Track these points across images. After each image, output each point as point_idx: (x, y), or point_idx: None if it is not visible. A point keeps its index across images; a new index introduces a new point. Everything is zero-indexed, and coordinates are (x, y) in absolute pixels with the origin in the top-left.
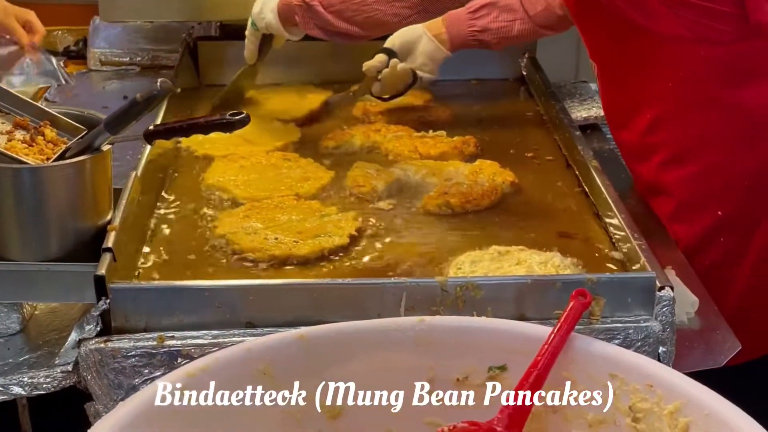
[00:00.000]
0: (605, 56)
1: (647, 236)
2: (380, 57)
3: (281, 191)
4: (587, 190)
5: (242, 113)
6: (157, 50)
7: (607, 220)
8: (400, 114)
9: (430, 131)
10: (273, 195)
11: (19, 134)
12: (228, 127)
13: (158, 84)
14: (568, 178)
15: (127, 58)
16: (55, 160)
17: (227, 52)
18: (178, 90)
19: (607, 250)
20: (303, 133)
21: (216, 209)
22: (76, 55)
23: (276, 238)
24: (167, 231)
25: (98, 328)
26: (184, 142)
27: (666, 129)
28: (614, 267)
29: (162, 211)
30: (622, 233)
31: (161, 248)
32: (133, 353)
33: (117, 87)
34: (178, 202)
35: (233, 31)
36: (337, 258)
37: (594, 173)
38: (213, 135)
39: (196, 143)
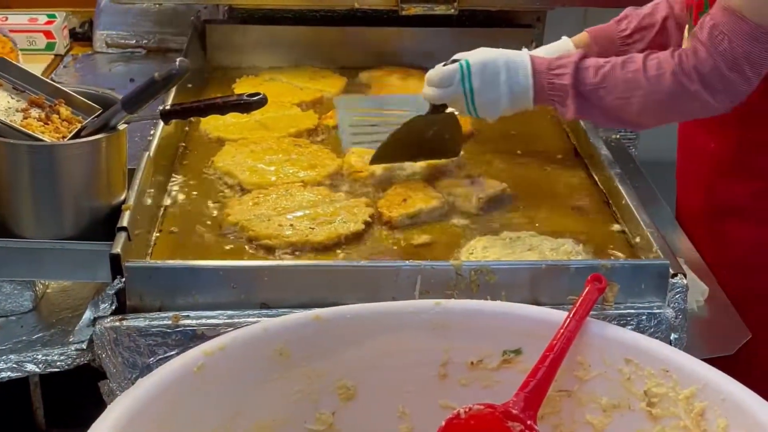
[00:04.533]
0: None
1: (657, 224)
2: None
3: (288, 178)
4: (597, 178)
5: (259, 94)
6: (163, 33)
7: (620, 208)
8: None
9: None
10: (279, 182)
11: (35, 112)
12: (245, 107)
13: (177, 63)
14: (578, 167)
15: (134, 41)
16: (70, 139)
17: (236, 36)
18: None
19: (618, 237)
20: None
21: (225, 195)
22: (82, 36)
23: (291, 225)
24: (179, 213)
25: (113, 307)
26: (201, 123)
27: None
28: (625, 254)
29: (173, 193)
30: (635, 221)
31: (173, 230)
32: (148, 332)
33: (123, 69)
34: (189, 184)
35: (242, 15)
36: (353, 244)
37: (605, 162)
38: (229, 119)
39: (212, 126)
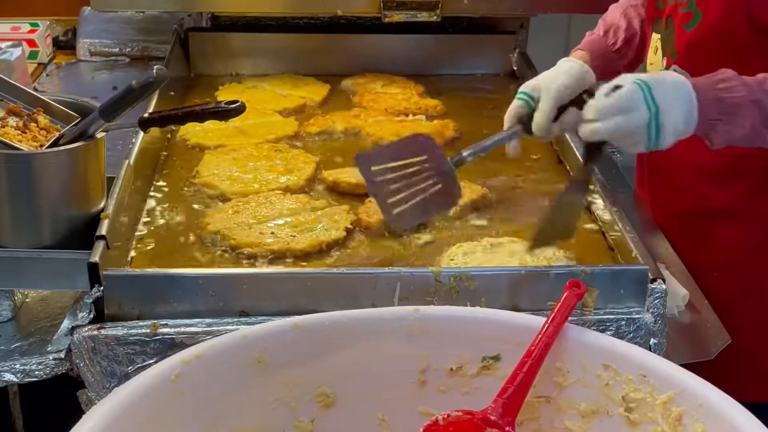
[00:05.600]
0: (715, 56)
1: (639, 231)
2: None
3: (269, 185)
4: None
5: (238, 102)
6: (146, 41)
7: (600, 214)
8: (392, 104)
9: (410, 116)
10: (261, 189)
11: (12, 121)
12: (223, 115)
13: (154, 71)
14: (559, 173)
15: (117, 49)
16: (48, 147)
17: (218, 43)
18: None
19: (598, 242)
20: (302, 121)
21: (206, 203)
22: (66, 45)
23: (272, 233)
24: (159, 221)
25: (91, 316)
26: (180, 130)
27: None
28: (605, 259)
29: (154, 200)
30: (615, 226)
31: (153, 238)
32: (126, 341)
33: (106, 77)
34: (170, 192)
35: (225, 22)
36: (335, 252)
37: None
38: (208, 125)
39: (191, 132)
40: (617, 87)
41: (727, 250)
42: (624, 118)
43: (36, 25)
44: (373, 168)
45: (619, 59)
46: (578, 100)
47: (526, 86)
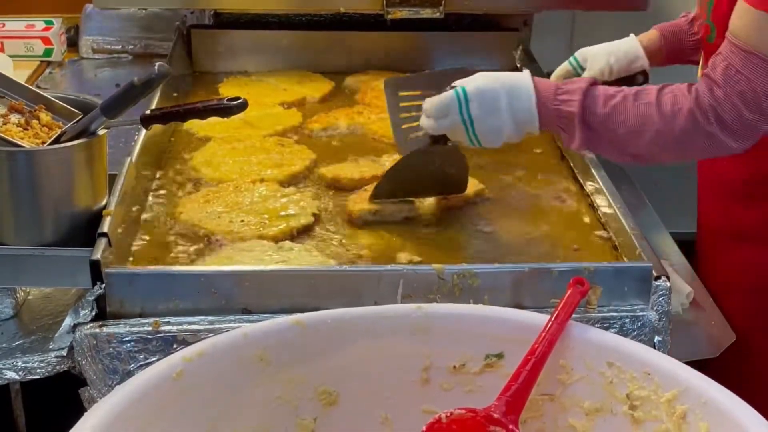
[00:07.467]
0: None
1: (642, 227)
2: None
3: (250, 176)
4: (582, 181)
5: (240, 98)
6: (149, 38)
7: (604, 211)
8: None
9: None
10: (241, 179)
11: (14, 118)
12: (225, 112)
13: (155, 68)
14: (563, 170)
15: (120, 47)
16: (50, 144)
17: (220, 41)
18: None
19: (602, 240)
20: (305, 117)
21: (193, 187)
22: (68, 42)
23: (242, 221)
24: (159, 216)
25: (93, 313)
26: (186, 123)
27: None
28: (609, 257)
29: (157, 194)
30: (619, 224)
31: (151, 233)
32: (128, 338)
33: (109, 75)
34: (171, 187)
35: (227, 19)
36: (305, 237)
37: (589, 164)
38: (215, 117)
39: (198, 125)
40: (448, 89)
41: (752, 272)
42: (437, 121)
43: (50, 22)
44: (400, 93)
45: (694, 51)
46: (628, 79)
47: (581, 52)
